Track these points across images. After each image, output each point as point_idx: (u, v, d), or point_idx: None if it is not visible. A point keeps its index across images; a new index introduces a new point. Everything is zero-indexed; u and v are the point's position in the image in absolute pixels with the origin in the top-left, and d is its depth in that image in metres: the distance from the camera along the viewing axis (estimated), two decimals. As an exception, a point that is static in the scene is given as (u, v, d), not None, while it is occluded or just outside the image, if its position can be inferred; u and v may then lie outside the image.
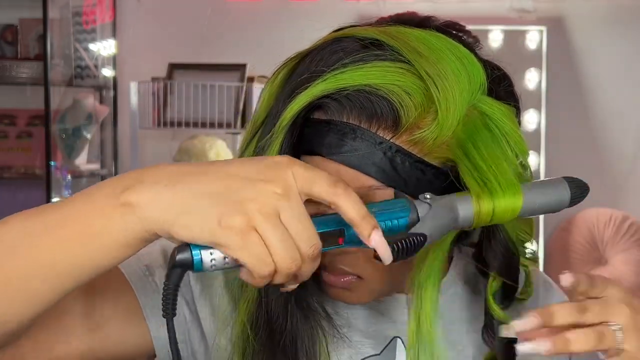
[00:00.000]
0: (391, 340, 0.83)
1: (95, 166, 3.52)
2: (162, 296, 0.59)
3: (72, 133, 3.35)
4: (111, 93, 3.55)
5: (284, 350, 0.76)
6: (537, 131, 3.34)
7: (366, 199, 0.68)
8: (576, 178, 0.73)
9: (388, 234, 0.62)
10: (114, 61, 3.53)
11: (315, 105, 0.71)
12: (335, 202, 0.59)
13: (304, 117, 0.71)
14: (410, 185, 0.70)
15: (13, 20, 3.53)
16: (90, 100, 3.39)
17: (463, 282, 0.87)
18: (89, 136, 3.38)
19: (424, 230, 0.64)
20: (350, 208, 0.59)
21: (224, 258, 0.58)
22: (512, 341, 0.75)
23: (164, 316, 0.59)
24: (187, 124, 2.97)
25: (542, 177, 3.45)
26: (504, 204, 0.67)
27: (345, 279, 0.75)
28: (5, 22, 3.53)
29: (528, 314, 0.64)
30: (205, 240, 0.57)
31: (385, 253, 0.61)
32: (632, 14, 3.37)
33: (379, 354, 0.83)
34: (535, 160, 3.30)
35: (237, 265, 0.58)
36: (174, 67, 3.11)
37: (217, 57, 3.26)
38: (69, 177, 3.34)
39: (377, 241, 0.60)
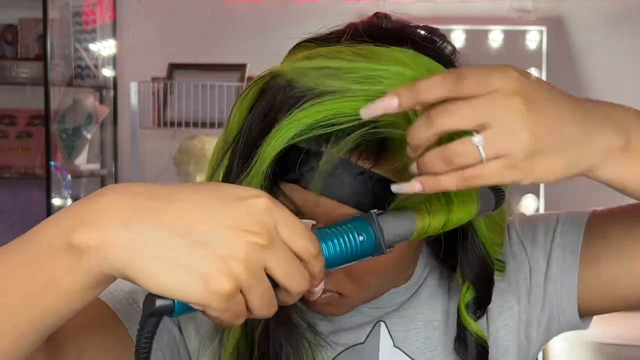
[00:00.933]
0: (374, 326, 0.83)
1: (95, 166, 3.52)
2: (135, 347, 0.53)
3: (72, 133, 3.35)
4: (111, 93, 3.55)
5: None
6: (537, 131, 3.33)
7: None
8: (496, 187, 0.71)
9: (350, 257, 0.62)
10: (114, 61, 3.53)
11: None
12: (309, 263, 0.56)
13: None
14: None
15: (13, 20, 3.53)
16: (90, 100, 3.38)
17: (437, 281, 0.86)
18: (89, 136, 3.38)
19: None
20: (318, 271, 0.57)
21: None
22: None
23: None
24: (187, 124, 2.97)
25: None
26: (457, 217, 0.67)
27: (325, 295, 0.75)
28: (5, 22, 3.53)
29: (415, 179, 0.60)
30: (185, 299, 0.51)
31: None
32: (632, 13, 3.37)
33: (363, 343, 0.83)
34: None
35: None
36: (174, 67, 3.11)
37: (217, 57, 3.26)
38: (69, 177, 3.34)
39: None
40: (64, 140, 3.35)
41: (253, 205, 0.53)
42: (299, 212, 0.71)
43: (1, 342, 0.55)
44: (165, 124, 3.02)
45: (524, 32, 3.39)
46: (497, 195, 0.70)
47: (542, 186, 3.35)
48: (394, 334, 0.84)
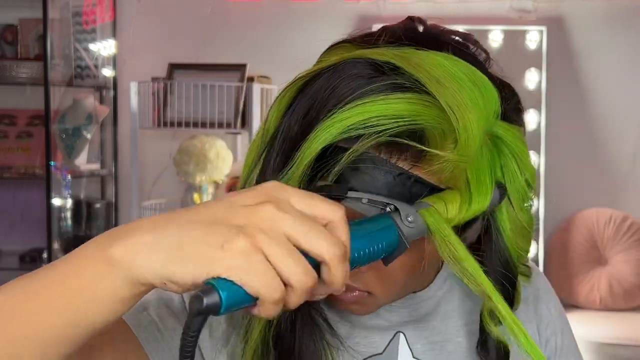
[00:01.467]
0: (394, 336, 0.84)
1: (95, 166, 3.52)
2: (180, 348, 0.54)
3: (72, 133, 3.35)
4: (111, 93, 3.55)
5: None
6: (537, 131, 3.34)
7: None
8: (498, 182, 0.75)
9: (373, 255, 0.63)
10: (114, 61, 3.53)
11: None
12: (333, 224, 0.56)
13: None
14: None
15: (13, 20, 3.53)
16: (90, 100, 3.39)
17: (461, 300, 0.88)
18: (89, 136, 3.38)
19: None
20: (334, 244, 0.55)
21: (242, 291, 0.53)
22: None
23: None
24: (187, 124, 2.97)
25: (542, 177, 3.46)
26: (474, 208, 0.70)
27: (354, 294, 0.76)
28: (5, 22, 3.53)
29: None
30: (205, 269, 0.53)
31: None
32: (631, 13, 3.37)
33: (381, 353, 0.83)
34: (535, 160, 3.30)
35: (254, 300, 0.54)
36: (174, 67, 3.11)
37: (217, 57, 3.26)
38: (69, 177, 3.34)
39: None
40: (64, 140, 3.35)
41: (263, 185, 0.57)
42: None
43: (28, 346, 0.57)
44: (165, 124, 3.02)
45: (524, 32, 3.39)
46: (501, 190, 0.73)
47: (542, 187, 3.35)
48: (413, 346, 0.84)
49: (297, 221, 0.54)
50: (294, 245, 0.54)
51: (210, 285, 0.52)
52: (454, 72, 0.70)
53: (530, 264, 0.90)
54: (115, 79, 3.54)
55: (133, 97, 3.04)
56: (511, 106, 0.77)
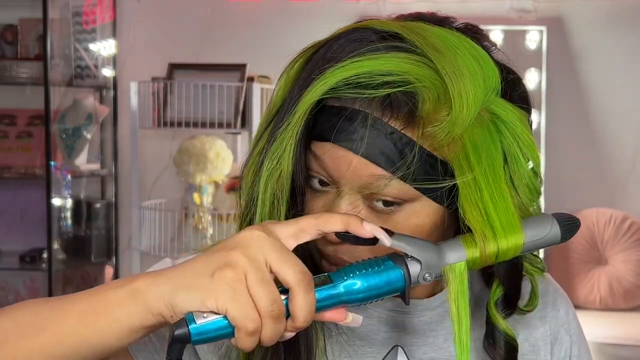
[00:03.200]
0: (391, 350, 0.82)
1: (95, 166, 3.52)
2: None
3: (72, 133, 3.35)
4: (111, 93, 3.55)
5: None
6: (537, 131, 3.34)
7: (372, 188, 0.70)
8: (565, 214, 0.73)
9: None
10: (114, 61, 3.53)
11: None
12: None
13: (317, 103, 0.71)
14: (418, 178, 0.69)
15: (13, 20, 3.53)
16: (90, 100, 3.38)
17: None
18: (89, 136, 3.38)
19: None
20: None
21: (218, 324, 0.60)
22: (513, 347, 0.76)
23: None
24: (187, 124, 2.97)
25: (542, 177, 3.44)
26: (505, 246, 0.68)
27: None
28: (5, 22, 3.53)
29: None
30: (199, 296, 0.60)
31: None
32: (632, 14, 3.37)
33: None
34: (535, 160, 3.29)
35: (230, 332, 0.61)
36: (174, 67, 3.11)
37: (217, 57, 3.26)
38: (69, 177, 3.34)
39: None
40: (64, 140, 3.35)
41: (249, 229, 0.64)
42: (328, 176, 0.73)
43: (46, 351, 0.64)
44: (165, 124, 3.02)
45: (524, 32, 3.39)
46: (566, 224, 0.72)
47: (542, 187, 3.34)
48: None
49: (274, 247, 0.61)
50: (270, 269, 0.60)
51: (184, 316, 0.61)
52: (453, 42, 0.70)
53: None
54: (115, 79, 3.53)
55: (133, 97, 3.04)
56: (517, 93, 0.76)
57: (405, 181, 0.69)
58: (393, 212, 0.72)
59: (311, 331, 0.78)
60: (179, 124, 2.98)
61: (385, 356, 0.82)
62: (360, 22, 0.76)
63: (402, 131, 0.69)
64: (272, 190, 0.72)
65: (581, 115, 3.42)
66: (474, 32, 0.77)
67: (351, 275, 0.64)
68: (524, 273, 0.78)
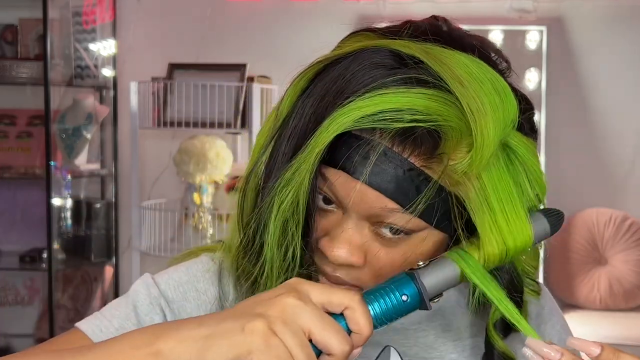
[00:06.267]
0: (383, 350, 0.82)
1: (95, 166, 3.52)
2: None
3: (72, 133, 3.35)
4: (111, 93, 3.55)
5: None
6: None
7: (383, 219, 0.70)
8: (549, 208, 0.75)
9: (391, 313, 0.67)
10: (114, 61, 3.53)
11: None
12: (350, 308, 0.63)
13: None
14: (433, 214, 0.70)
15: (13, 20, 3.53)
16: (90, 100, 3.38)
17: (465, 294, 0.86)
18: (89, 136, 3.38)
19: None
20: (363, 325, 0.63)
21: None
22: None
23: None
24: (187, 124, 2.97)
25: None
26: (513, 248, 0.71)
27: (343, 287, 0.75)
28: (5, 22, 3.53)
29: (554, 347, 0.68)
30: (231, 353, 0.59)
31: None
32: (632, 13, 3.37)
33: None
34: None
35: None
36: (174, 67, 3.11)
37: (217, 57, 3.26)
38: (69, 177, 3.34)
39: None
40: (64, 140, 3.35)
41: (287, 282, 0.65)
42: (337, 201, 0.72)
43: None
44: (165, 124, 3.02)
45: (524, 32, 3.39)
46: (553, 218, 0.73)
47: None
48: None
49: (314, 315, 0.61)
50: (308, 337, 0.61)
51: None
52: (477, 75, 0.69)
53: (539, 283, 0.88)
54: (115, 79, 3.53)
55: (133, 97, 3.04)
56: (527, 120, 0.75)
57: (418, 216, 0.69)
58: (400, 240, 0.72)
59: None
60: (179, 124, 2.98)
61: (377, 357, 0.82)
62: (368, 29, 0.75)
63: (421, 167, 0.68)
64: (284, 217, 0.72)
65: (581, 115, 3.42)
66: (493, 53, 0.77)
67: (383, 319, 0.67)
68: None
